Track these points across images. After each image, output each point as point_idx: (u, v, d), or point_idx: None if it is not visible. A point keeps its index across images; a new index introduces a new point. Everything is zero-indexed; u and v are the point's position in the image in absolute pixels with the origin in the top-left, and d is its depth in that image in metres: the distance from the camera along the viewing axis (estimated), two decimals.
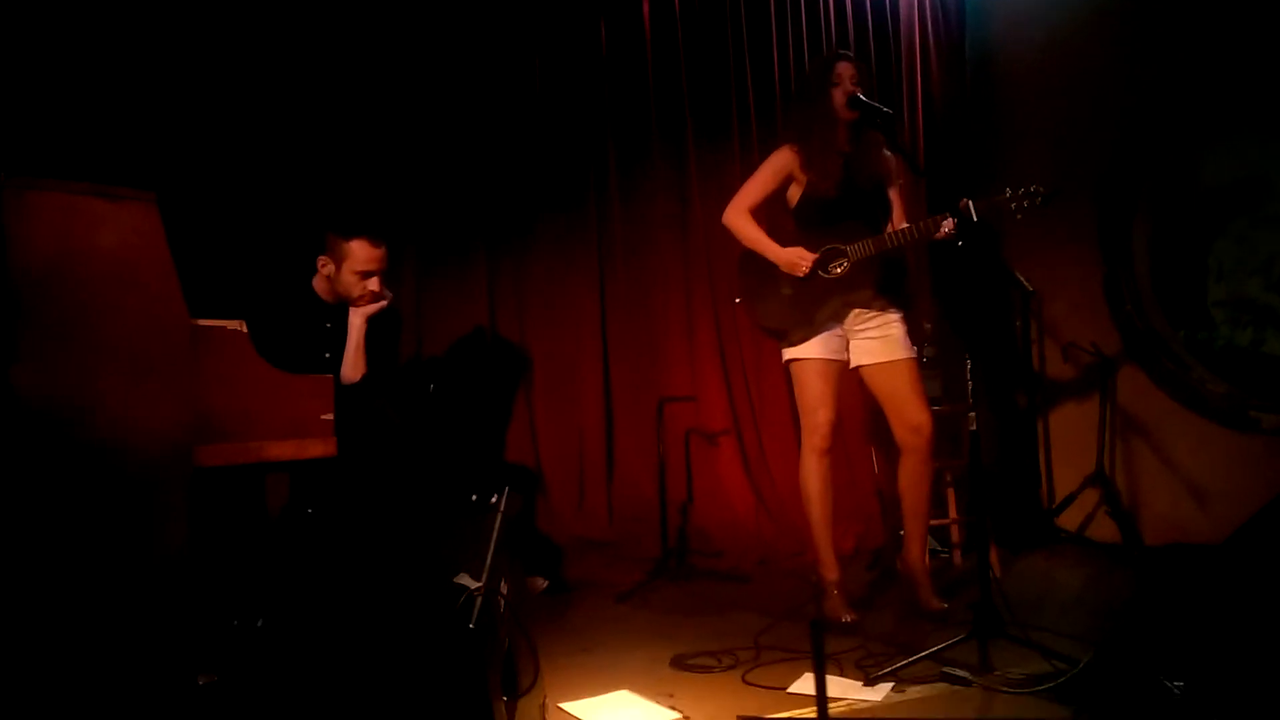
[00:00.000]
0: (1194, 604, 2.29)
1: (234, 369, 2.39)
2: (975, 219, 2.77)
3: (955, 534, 3.88)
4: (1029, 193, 2.80)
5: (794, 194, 3.24)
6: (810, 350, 3.17)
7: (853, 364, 3.22)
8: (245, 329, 2.40)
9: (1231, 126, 3.88)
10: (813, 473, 3.22)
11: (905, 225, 3.11)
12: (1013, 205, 2.82)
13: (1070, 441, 4.38)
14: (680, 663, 2.79)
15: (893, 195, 3.26)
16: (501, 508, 2.09)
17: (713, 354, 4.42)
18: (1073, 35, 4.39)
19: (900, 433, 3.19)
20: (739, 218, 3.26)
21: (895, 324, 3.18)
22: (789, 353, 3.22)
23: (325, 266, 3.13)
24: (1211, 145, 3.95)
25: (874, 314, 3.18)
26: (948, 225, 2.89)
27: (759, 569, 3.95)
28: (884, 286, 3.17)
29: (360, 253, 3.07)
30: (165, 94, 3.44)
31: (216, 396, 2.35)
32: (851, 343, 3.22)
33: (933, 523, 3.67)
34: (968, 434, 3.04)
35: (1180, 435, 3.99)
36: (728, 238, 3.36)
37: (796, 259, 3.12)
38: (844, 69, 3.12)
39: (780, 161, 3.23)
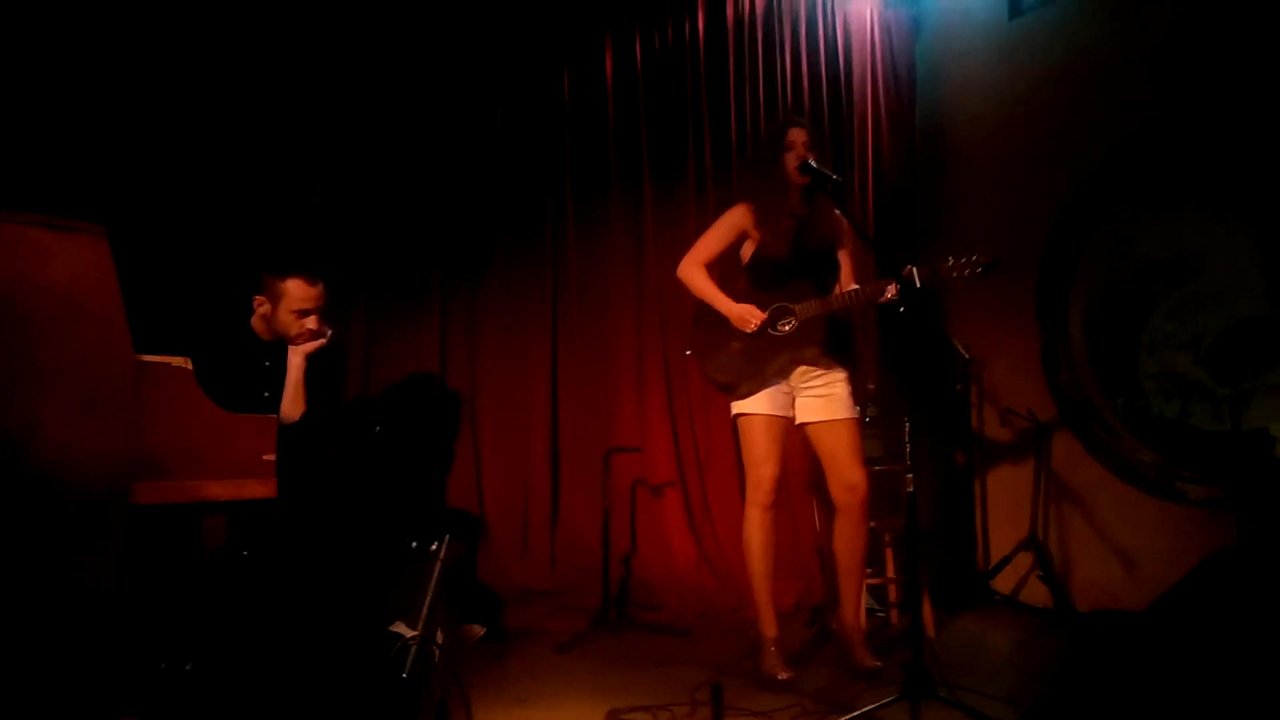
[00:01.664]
0: (1118, 670, 2.35)
1: (177, 406, 2.37)
2: (919, 285, 2.85)
3: (893, 593, 3.93)
4: (970, 262, 2.88)
5: (747, 251, 3.32)
6: (757, 406, 3.22)
7: (797, 420, 3.28)
8: (190, 366, 2.38)
9: (1167, 205, 4.05)
10: (756, 528, 3.25)
11: (852, 288, 3.19)
12: (954, 274, 2.90)
13: (1007, 505, 4.48)
14: (615, 717, 2.77)
15: (842, 257, 3.34)
16: (441, 555, 2.08)
17: (661, 406, 4.45)
18: (1018, 107, 4.57)
19: (836, 491, 3.24)
20: (693, 271, 3.33)
21: (840, 383, 3.25)
22: (737, 407, 3.27)
23: (261, 306, 3.13)
24: (1148, 222, 4.12)
25: (820, 372, 3.24)
26: (891, 290, 2.96)
27: (699, 622, 3.96)
28: (830, 346, 3.24)
29: (296, 291, 3.08)
30: (114, 129, 3.43)
31: (158, 433, 2.32)
32: (797, 400, 3.27)
33: (870, 582, 3.72)
34: (905, 495, 3.10)
35: (1111, 503, 4.09)
36: (680, 290, 3.42)
37: (747, 315, 3.18)
38: (796, 135, 3.21)
39: (735, 218, 3.31)
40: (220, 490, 2.41)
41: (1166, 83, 3.93)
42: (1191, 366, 3.98)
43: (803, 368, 3.23)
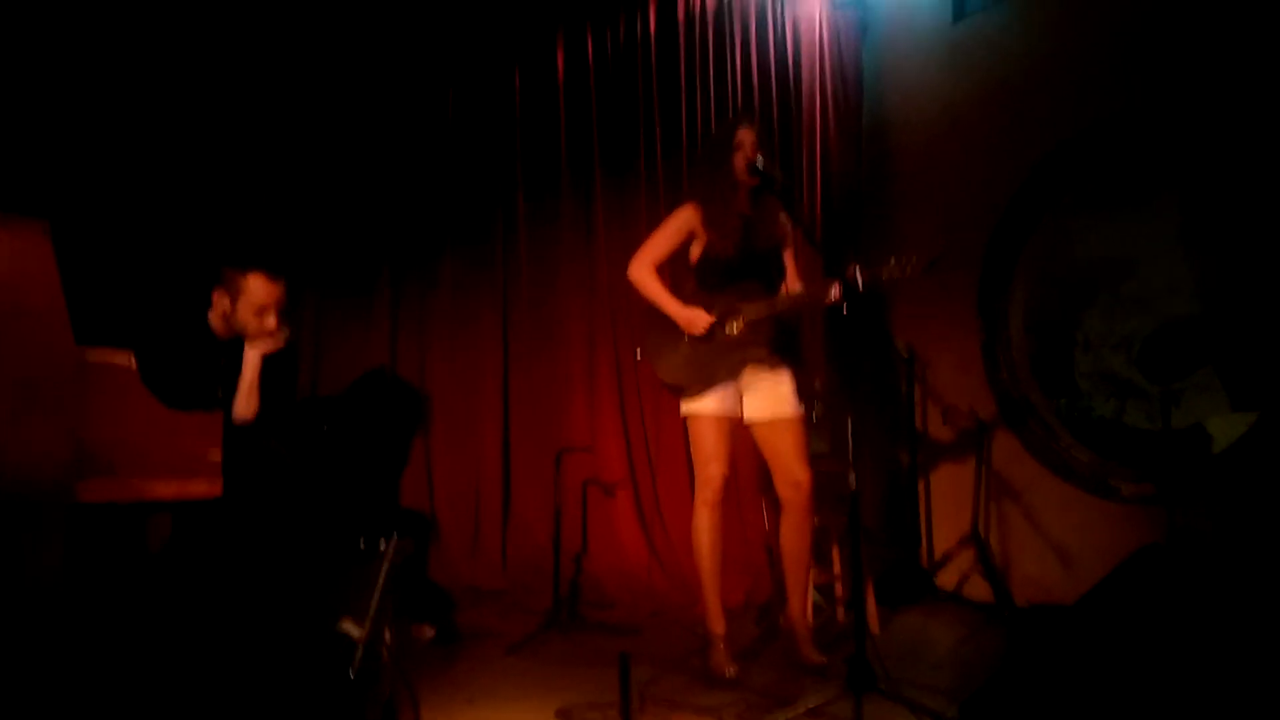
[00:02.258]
0: (1049, 663, 2.43)
1: (120, 404, 2.35)
2: (862, 285, 2.91)
3: (839, 590, 3.99)
4: (912, 261, 2.94)
5: (695, 251, 3.35)
6: (706, 406, 3.25)
7: (744, 419, 3.32)
8: (134, 364, 2.36)
9: (1103, 207, 4.16)
10: (704, 526, 3.28)
11: (798, 290, 3.23)
12: (898, 273, 2.94)
13: (950, 502, 4.57)
14: (565, 715, 2.79)
15: (787, 257, 3.39)
16: (389, 555, 2.09)
17: (612, 405, 4.48)
18: (961, 109, 4.66)
19: (781, 488, 3.30)
20: (643, 272, 3.35)
21: (785, 382, 3.30)
22: (686, 407, 3.30)
23: (221, 301, 3.08)
24: (1085, 224, 4.23)
25: (766, 371, 3.29)
26: (835, 292, 3.01)
27: (650, 621, 3.99)
28: (777, 345, 3.28)
29: (257, 288, 3.04)
30: (58, 119, 3.37)
31: (101, 431, 2.30)
32: (744, 398, 3.32)
33: (816, 580, 3.78)
34: (849, 492, 3.16)
35: (1049, 500, 4.21)
36: (631, 291, 3.44)
37: (694, 318, 3.22)
38: (745, 135, 3.25)
39: (683, 219, 3.34)
40: (164, 489, 2.39)
41: (1104, 89, 4.04)
42: (1124, 366, 4.10)
43: (750, 366, 3.28)
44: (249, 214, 3.80)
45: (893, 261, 2.95)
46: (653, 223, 4.48)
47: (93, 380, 2.28)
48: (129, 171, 3.53)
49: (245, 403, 3.05)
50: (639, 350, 3.44)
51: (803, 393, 3.37)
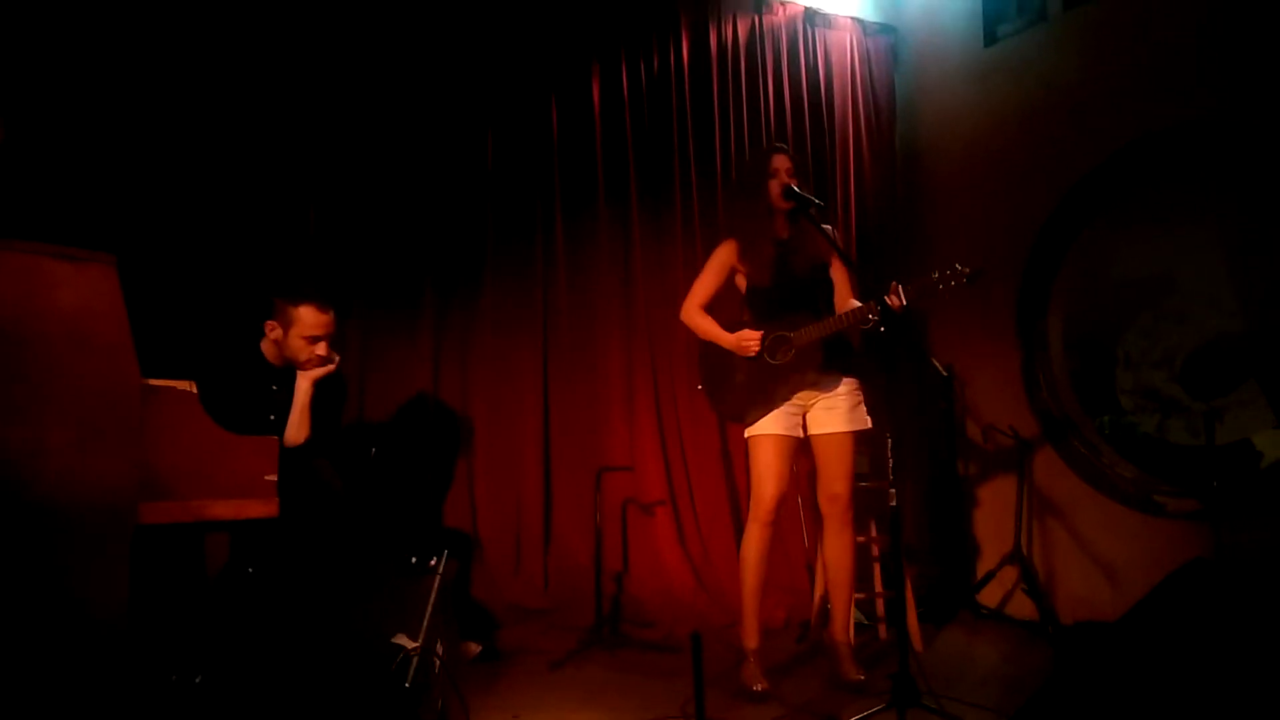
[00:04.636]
0: (1095, 679, 2.43)
1: (181, 428, 2.44)
2: (904, 302, 2.95)
3: (880, 608, 4.00)
4: (955, 272, 2.94)
5: (742, 284, 3.43)
6: (767, 426, 3.29)
7: (808, 434, 3.35)
8: (195, 390, 2.45)
9: (1141, 225, 4.16)
10: (753, 542, 3.32)
11: (841, 313, 3.28)
12: (940, 286, 2.96)
13: (991, 519, 4.56)
14: None
15: (835, 275, 3.40)
16: (440, 570, 2.15)
17: (651, 425, 4.52)
18: (994, 132, 4.70)
19: (821, 500, 3.35)
20: (693, 314, 3.44)
21: (842, 397, 3.32)
22: (749, 430, 3.35)
23: (273, 331, 3.18)
24: (1123, 242, 4.23)
25: (825, 391, 3.32)
26: (874, 314, 3.05)
27: (690, 640, 4.00)
28: (830, 364, 3.30)
29: (308, 318, 3.13)
30: (122, 157, 3.52)
31: (163, 455, 2.39)
32: (807, 415, 3.35)
33: (858, 596, 3.79)
34: (889, 509, 3.18)
35: (1092, 516, 4.19)
36: (669, 312, 3.51)
37: (744, 340, 3.27)
38: (780, 161, 3.31)
39: (722, 256, 3.42)
40: (223, 510, 2.48)
41: (1136, 110, 4.05)
42: (1166, 383, 4.09)
43: (806, 391, 3.31)
44: (299, 248, 3.92)
45: (936, 274, 2.97)
46: (688, 247, 4.58)
47: (155, 405, 2.37)
48: (185, 207, 3.66)
49: (297, 428, 3.14)
50: (700, 385, 3.51)
51: (865, 405, 3.38)
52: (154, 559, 2.50)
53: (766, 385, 3.28)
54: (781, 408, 3.28)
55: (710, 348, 3.41)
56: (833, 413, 3.31)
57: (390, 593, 2.33)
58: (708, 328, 3.39)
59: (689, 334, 3.57)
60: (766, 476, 3.28)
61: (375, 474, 3.77)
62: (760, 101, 4.86)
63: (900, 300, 2.97)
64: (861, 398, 3.36)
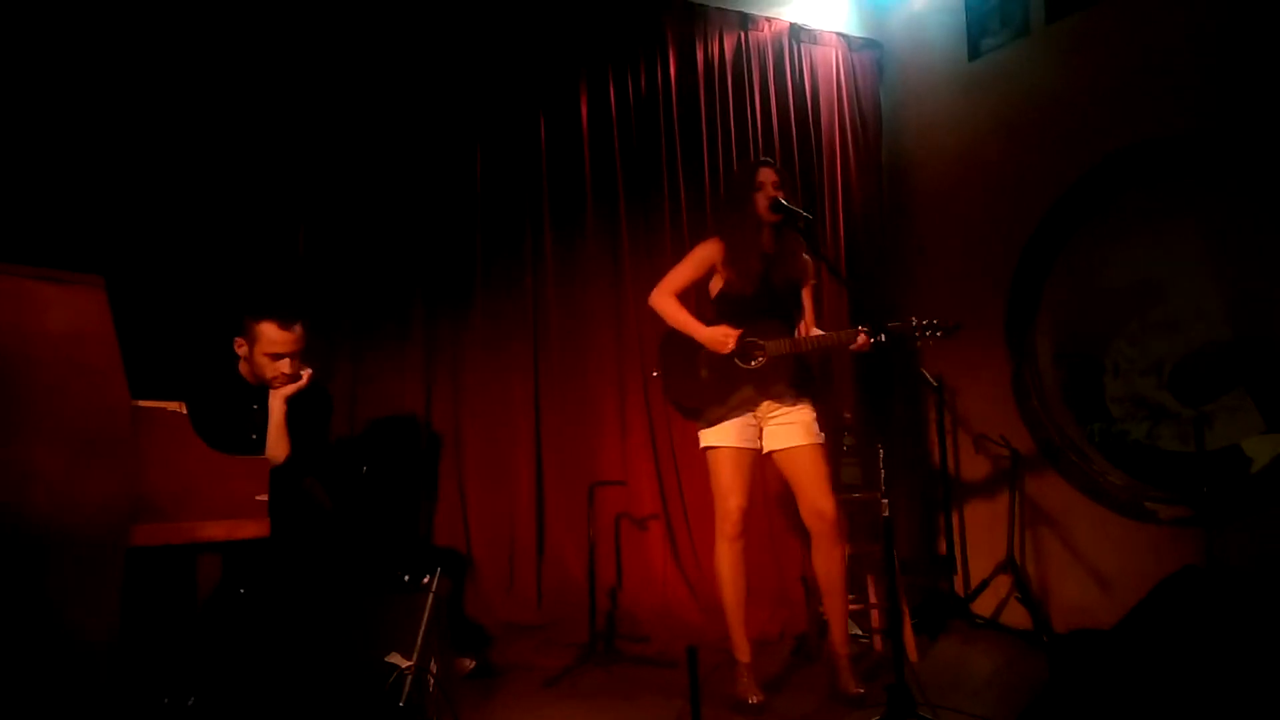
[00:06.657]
0: (1090, 686, 2.43)
1: (172, 449, 2.43)
2: (886, 339, 3.00)
3: (875, 619, 4.00)
4: (931, 325, 3.06)
5: (715, 285, 3.42)
6: (724, 438, 3.30)
7: (765, 449, 3.36)
8: (185, 410, 2.45)
9: (1126, 234, 4.19)
10: (724, 558, 3.32)
11: (822, 333, 3.29)
12: (916, 335, 3.07)
13: (984, 528, 4.57)
14: None
15: (805, 296, 3.46)
16: (433, 588, 2.15)
17: (643, 439, 4.52)
18: (979, 144, 4.74)
19: (806, 518, 3.33)
20: (665, 299, 3.42)
21: (804, 410, 3.34)
22: (704, 438, 3.35)
23: (240, 348, 3.16)
24: (1110, 251, 4.25)
25: (785, 404, 3.34)
26: (861, 339, 3.10)
27: (685, 654, 3.99)
28: (795, 381, 3.34)
29: (269, 334, 3.11)
30: (111, 177, 3.52)
31: (154, 476, 2.38)
32: (764, 430, 3.36)
33: (851, 608, 3.79)
34: (881, 519, 3.19)
35: (1084, 525, 4.20)
36: (659, 324, 3.51)
37: (721, 336, 3.26)
38: (766, 174, 3.33)
39: (706, 252, 3.41)
40: (216, 531, 2.46)
41: (1118, 121, 4.09)
42: (1155, 390, 4.11)
43: (769, 401, 3.32)
44: (289, 266, 3.92)
45: (914, 322, 3.08)
46: (677, 259, 4.57)
47: (146, 427, 2.36)
48: (174, 225, 3.66)
49: (275, 446, 3.11)
50: (656, 373, 3.49)
51: (832, 424, 3.41)
52: (146, 580, 2.49)
53: (730, 387, 3.29)
54: (739, 419, 3.29)
55: (676, 337, 3.39)
56: (792, 428, 3.32)
57: (383, 611, 2.32)
58: (681, 316, 3.36)
59: (655, 319, 3.52)
60: (730, 491, 3.29)
61: (367, 492, 3.76)
62: (747, 116, 4.90)
63: (872, 340, 3.03)
64: (815, 415, 3.37)
